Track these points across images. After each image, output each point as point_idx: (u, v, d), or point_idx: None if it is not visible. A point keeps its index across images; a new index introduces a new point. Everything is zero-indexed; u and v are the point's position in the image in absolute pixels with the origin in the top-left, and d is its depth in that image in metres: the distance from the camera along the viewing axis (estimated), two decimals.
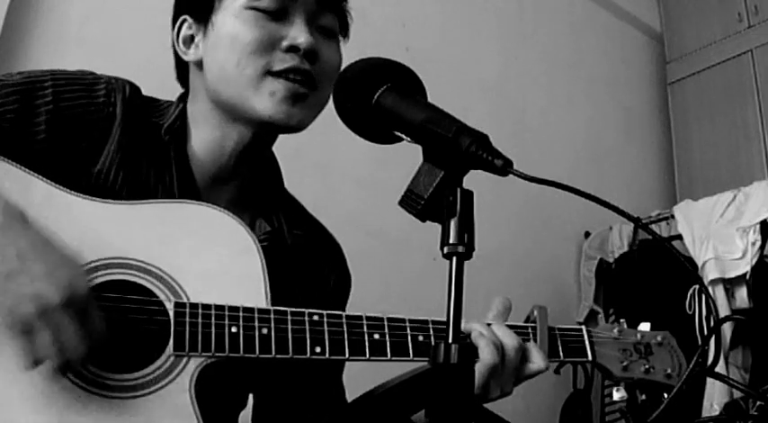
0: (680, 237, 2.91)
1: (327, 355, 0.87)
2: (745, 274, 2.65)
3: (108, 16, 2.07)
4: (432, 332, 0.93)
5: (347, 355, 0.88)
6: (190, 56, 1.01)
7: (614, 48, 3.84)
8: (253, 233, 0.91)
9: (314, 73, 0.95)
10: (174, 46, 1.03)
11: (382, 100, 0.72)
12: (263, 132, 0.99)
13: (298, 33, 0.94)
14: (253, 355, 0.83)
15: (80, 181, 0.88)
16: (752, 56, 3.45)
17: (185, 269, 0.86)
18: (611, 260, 3.16)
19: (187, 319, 0.82)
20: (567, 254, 3.26)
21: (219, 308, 0.84)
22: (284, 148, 1.09)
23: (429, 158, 0.69)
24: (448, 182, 0.67)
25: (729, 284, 2.71)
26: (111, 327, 0.76)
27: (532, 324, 1.00)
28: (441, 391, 0.60)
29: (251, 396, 1.09)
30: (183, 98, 1.04)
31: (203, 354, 0.82)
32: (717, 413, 2.40)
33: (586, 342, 1.02)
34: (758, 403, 2.01)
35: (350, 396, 1.10)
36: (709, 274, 2.69)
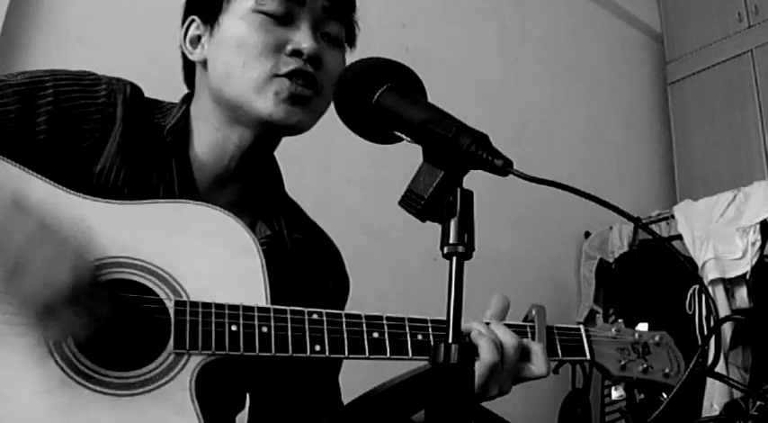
0: (680, 237, 2.91)
1: (327, 354, 0.87)
2: (745, 274, 2.65)
3: (108, 16, 2.07)
4: (431, 331, 0.93)
5: (346, 354, 0.88)
6: (195, 55, 1.01)
7: (614, 48, 3.84)
8: (253, 234, 0.92)
9: (318, 77, 0.96)
10: (181, 46, 1.04)
11: (382, 100, 0.72)
12: (264, 134, 0.99)
13: (302, 38, 0.95)
14: (253, 354, 0.83)
15: (81, 181, 0.88)
16: (752, 56, 3.45)
17: (186, 269, 0.86)
18: (611, 260, 3.16)
19: (187, 318, 0.82)
20: (567, 254, 3.26)
21: (219, 306, 0.84)
22: (285, 148, 1.09)
23: (429, 158, 0.69)
24: (448, 182, 0.67)
25: (729, 284, 2.71)
26: (112, 324, 0.76)
27: (531, 323, 1.00)
28: (441, 391, 0.60)
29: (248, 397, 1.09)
30: (187, 99, 1.04)
31: (203, 352, 0.82)
32: (717, 413, 2.40)
33: (585, 341, 1.02)
34: (758, 403, 2.02)
35: (349, 396, 1.10)
36: (710, 274, 2.69)
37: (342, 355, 0.88)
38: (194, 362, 0.82)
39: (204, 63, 1.00)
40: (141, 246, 0.85)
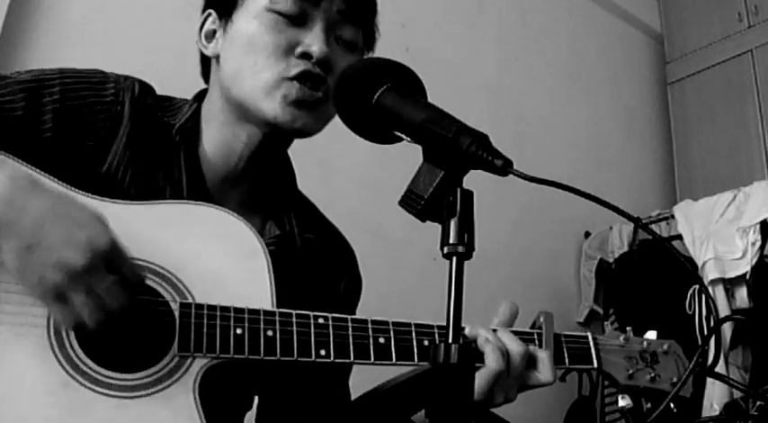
0: (680, 237, 2.91)
1: (332, 359, 0.86)
2: (745, 274, 2.65)
3: (108, 16, 2.07)
4: (437, 337, 0.92)
5: (352, 359, 0.87)
6: (210, 50, 1.00)
7: (614, 48, 3.84)
8: (260, 236, 0.91)
9: (327, 81, 0.94)
10: (197, 40, 1.03)
11: (382, 100, 0.72)
12: (272, 134, 0.98)
13: (312, 41, 0.93)
14: (257, 357, 0.83)
15: (88, 180, 0.88)
16: (752, 56, 3.45)
17: (191, 271, 0.86)
18: (611, 260, 3.16)
19: (192, 320, 0.82)
20: (567, 254, 3.26)
21: (225, 309, 0.84)
22: None
23: (429, 158, 0.69)
24: (448, 182, 0.67)
25: (729, 284, 2.71)
26: (118, 321, 0.76)
27: (538, 330, 0.99)
28: (441, 392, 0.60)
29: (256, 397, 1.09)
30: (199, 97, 1.04)
31: (208, 355, 0.81)
32: (717, 413, 2.40)
33: (592, 349, 1.01)
34: (758, 403, 2.02)
35: (351, 395, 1.10)
36: (710, 274, 2.69)
37: (347, 361, 0.87)
38: (198, 364, 0.82)
39: (218, 58, 0.99)
40: (146, 247, 0.85)
